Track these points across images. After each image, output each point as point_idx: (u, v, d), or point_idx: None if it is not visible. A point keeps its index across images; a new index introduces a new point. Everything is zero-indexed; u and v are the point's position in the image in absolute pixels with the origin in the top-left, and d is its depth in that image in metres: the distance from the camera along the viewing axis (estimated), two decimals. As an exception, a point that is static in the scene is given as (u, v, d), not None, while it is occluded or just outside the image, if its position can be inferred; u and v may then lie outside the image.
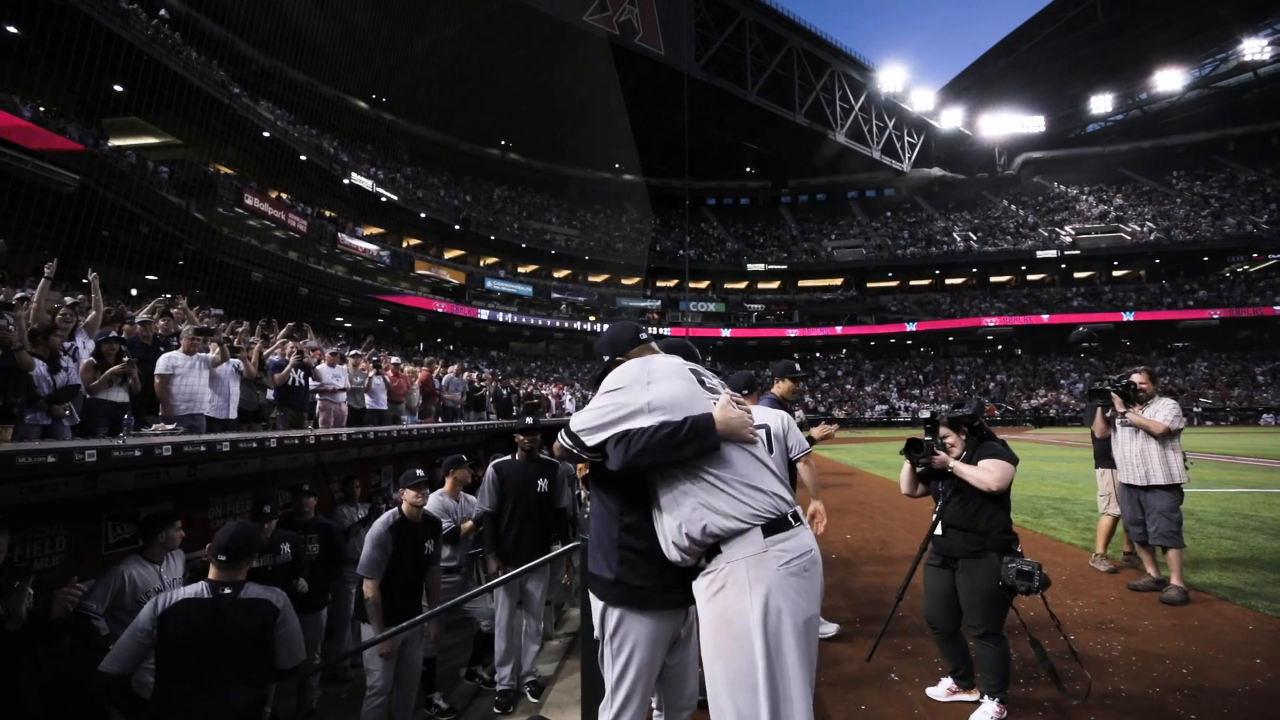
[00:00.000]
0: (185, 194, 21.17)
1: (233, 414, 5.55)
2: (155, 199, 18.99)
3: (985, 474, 2.83)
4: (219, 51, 23.89)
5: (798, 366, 4.03)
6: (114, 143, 20.53)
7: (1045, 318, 39.51)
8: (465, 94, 36.97)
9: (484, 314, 34.67)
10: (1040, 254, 41.40)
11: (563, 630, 4.76)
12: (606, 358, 1.91)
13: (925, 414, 3.21)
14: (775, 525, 1.55)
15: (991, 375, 40.39)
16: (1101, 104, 46.65)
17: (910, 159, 50.93)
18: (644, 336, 1.95)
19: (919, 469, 3.05)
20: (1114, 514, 5.19)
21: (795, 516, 1.60)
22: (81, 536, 3.95)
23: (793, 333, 42.91)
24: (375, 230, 33.03)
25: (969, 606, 2.86)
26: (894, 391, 40.01)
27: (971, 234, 45.14)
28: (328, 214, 29.65)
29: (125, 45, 18.05)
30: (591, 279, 43.01)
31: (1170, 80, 43.28)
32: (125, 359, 4.80)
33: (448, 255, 37.47)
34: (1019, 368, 40.88)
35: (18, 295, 6.82)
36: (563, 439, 1.74)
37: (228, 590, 2.33)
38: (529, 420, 4.26)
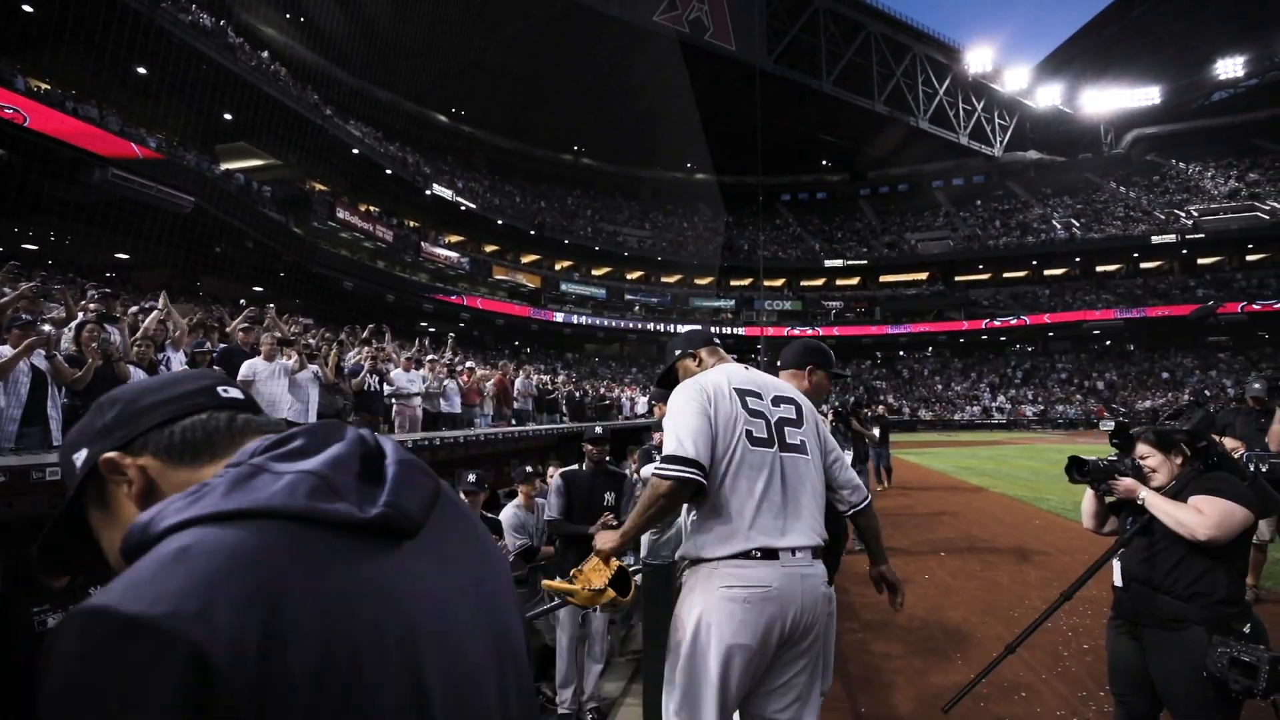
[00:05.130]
0: (285, 210, 22.77)
1: (312, 418, 5.75)
2: (259, 216, 20.50)
3: (1192, 515, 1.97)
4: (312, 76, 25.56)
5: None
6: (224, 166, 22.33)
7: (1163, 310, 35.67)
8: (538, 102, 37.81)
9: (559, 317, 35.29)
10: (1156, 239, 37.41)
11: (630, 649, 4.57)
12: (679, 352, 2.06)
13: (1110, 425, 2.47)
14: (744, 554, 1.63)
15: (1099, 374, 36.98)
16: (1230, 68, 41.66)
17: (1002, 143, 47.56)
18: (716, 342, 2.07)
19: (1107, 498, 2.28)
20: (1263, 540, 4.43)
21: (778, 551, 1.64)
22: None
23: (874, 330, 41.04)
24: (455, 238, 34.36)
25: (1169, 699, 2.06)
26: (986, 391, 37.43)
27: (1074, 220, 41.49)
28: (411, 224, 31.11)
29: (233, 76, 19.63)
30: (665, 280, 42.90)
31: (1318, 36, 38.08)
32: (215, 370, 5.05)
33: (524, 260, 38.46)
34: (1131, 366, 37.19)
35: (133, 309, 7.41)
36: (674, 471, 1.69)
37: None
38: (598, 430, 4.10)
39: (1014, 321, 38.34)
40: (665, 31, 34.91)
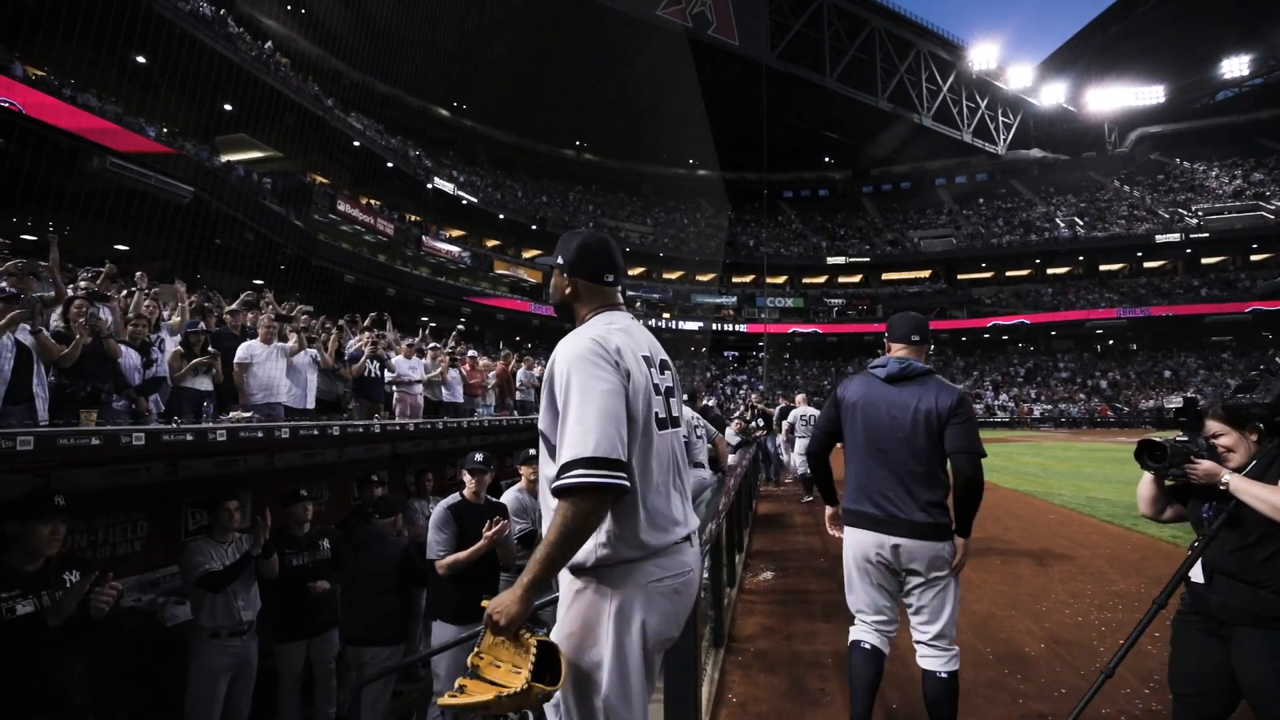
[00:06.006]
0: (285, 202, 22.56)
1: (310, 404, 5.58)
2: (259, 208, 20.30)
3: None
4: (314, 69, 25.36)
5: None
6: (224, 158, 22.13)
7: (1166, 309, 35.46)
8: (541, 97, 37.63)
9: (560, 312, 35.11)
10: (1160, 238, 37.22)
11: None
12: (560, 261, 1.59)
13: (1176, 402, 2.22)
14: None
15: (1102, 373, 36.80)
16: (1235, 67, 41.46)
17: (1005, 141, 47.36)
18: (610, 279, 1.62)
19: (1169, 481, 2.04)
20: None
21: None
22: (162, 522, 3.99)
23: (876, 328, 40.84)
24: (457, 232, 34.17)
25: (1260, 704, 1.79)
26: (989, 390, 37.26)
27: (1077, 219, 41.31)
28: (412, 218, 30.92)
29: (234, 67, 19.43)
30: (666, 276, 42.72)
31: (1324, 35, 37.89)
32: (210, 350, 4.88)
33: (525, 255, 38.25)
34: (1134, 365, 37.01)
35: (124, 292, 7.23)
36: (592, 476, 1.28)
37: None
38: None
39: (1017, 320, 38.18)
40: (668, 26, 34.72)
